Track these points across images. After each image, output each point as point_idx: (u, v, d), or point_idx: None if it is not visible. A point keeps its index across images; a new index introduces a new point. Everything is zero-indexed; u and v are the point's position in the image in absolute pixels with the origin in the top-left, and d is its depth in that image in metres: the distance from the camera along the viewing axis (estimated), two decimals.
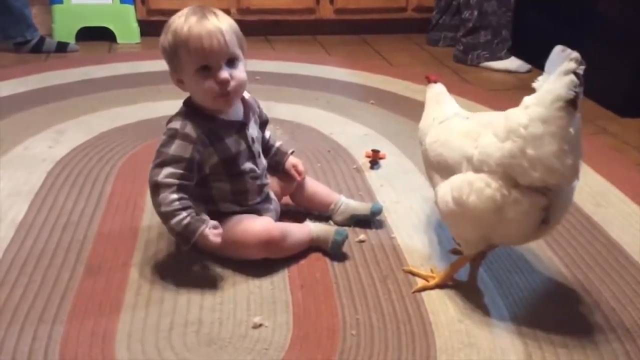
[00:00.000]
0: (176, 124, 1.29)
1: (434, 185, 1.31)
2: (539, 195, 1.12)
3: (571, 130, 1.06)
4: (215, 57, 1.24)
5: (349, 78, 2.77)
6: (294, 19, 3.44)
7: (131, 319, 1.19)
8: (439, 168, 1.28)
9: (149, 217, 1.54)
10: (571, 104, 1.04)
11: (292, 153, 1.56)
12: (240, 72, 1.29)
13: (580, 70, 1.04)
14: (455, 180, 1.20)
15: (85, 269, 1.33)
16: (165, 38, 1.27)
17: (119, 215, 1.55)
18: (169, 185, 1.25)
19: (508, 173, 1.11)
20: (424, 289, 1.32)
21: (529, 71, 2.99)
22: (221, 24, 1.24)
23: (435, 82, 1.51)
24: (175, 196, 1.25)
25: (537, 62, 3.04)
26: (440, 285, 1.32)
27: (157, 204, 1.26)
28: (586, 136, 2.24)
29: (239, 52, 1.29)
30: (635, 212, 1.68)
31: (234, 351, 1.12)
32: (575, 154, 1.08)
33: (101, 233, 1.47)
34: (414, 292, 1.31)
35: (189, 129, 1.28)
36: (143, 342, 1.14)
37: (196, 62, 1.24)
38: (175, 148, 1.26)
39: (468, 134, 1.22)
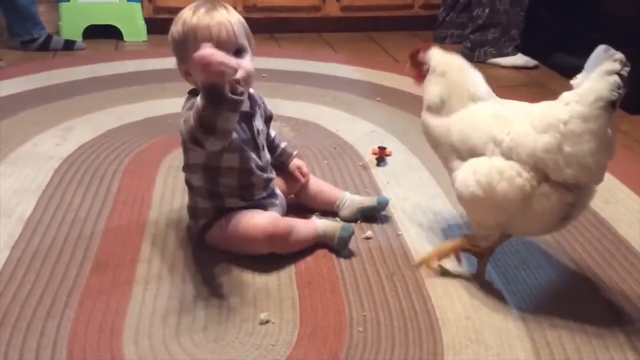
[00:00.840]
0: (189, 103, 1.28)
1: (450, 166, 1.30)
2: (566, 191, 1.13)
3: (609, 130, 1.07)
4: (223, 46, 1.24)
5: (355, 75, 2.76)
6: (300, 17, 3.44)
7: (138, 315, 1.19)
8: (460, 147, 1.26)
9: (156, 214, 1.55)
10: (611, 104, 1.05)
11: (296, 154, 1.56)
12: (248, 62, 1.29)
13: (625, 72, 1.05)
14: (481, 165, 1.19)
15: (93, 265, 1.34)
16: (175, 28, 1.29)
17: (126, 211, 1.56)
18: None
19: (539, 166, 1.13)
20: (424, 260, 1.35)
21: (535, 67, 2.98)
22: (230, 16, 1.27)
23: (419, 49, 1.39)
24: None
25: (544, 59, 3.03)
26: (439, 256, 1.34)
27: (205, 129, 1.17)
28: None
29: (246, 43, 1.30)
30: None
31: (241, 347, 1.12)
32: (609, 154, 1.10)
33: (108, 229, 1.47)
34: (416, 265, 1.35)
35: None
36: (150, 337, 1.14)
37: None
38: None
39: (499, 118, 1.21)
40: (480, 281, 1.33)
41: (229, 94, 1.14)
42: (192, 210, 1.41)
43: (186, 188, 1.44)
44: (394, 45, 3.31)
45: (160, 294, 1.26)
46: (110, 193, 1.64)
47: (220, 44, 1.23)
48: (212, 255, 1.37)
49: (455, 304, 1.26)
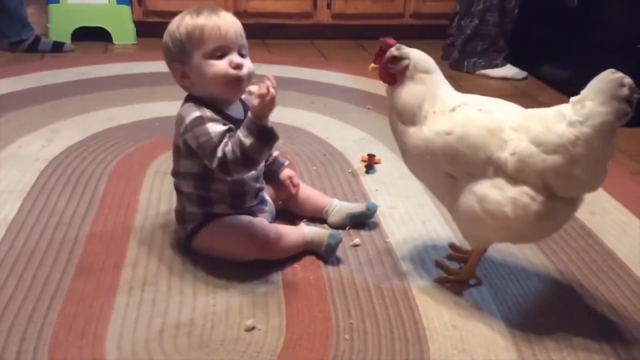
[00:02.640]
0: (195, 113, 1.27)
1: (438, 185, 1.25)
2: (570, 205, 1.16)
3: (611, 150, 1.10)
4: (230, 42, 1.27)
5: (346, 83, 2.76)
6: (291, 23, 3.44)
7: (122, 320, 1.18)
8: (448, 165, 1.19)
9: (142, 218, 1.53)
10: (616, 127, 1.06)
11: (287, 164, 1.56)
12: (249, 63, 1.31)
13: (634, 99, 1.04)
14: (487, 193, 1.15)
15: (77, 270, 1.32)
16: (174, 31, 1.28)
17: (112, 215, 1.54)
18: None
19: (547, 185, 1.12)
20: (447, 280, 1.34)
21: (525, 78, 3.00)
22: (233, 18, 1.30)
23: (392, 45, 1.23)
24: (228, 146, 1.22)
25: (533, 70, 3.06)
26: (463, 281, 1.34)
27: (244, 164, 1.22)
28: None
29: (247, 46, 1.32)
30: (630, 220, 1.68)
31: (226, 354, 1.11)
32: (607, 168, 1.13)
33: (93, 233, 1.46)
34: (435, 280, 1.33)
35: (210, 113, 1.27)
36: (134, 343, 1.12)
37: (210, 47, 1.25)
38: (211, 129, 1.24)
39: (492, 132, 1.15)
40: (471, 275, 1.34)
41: (276, 133, 1.21)
42: (180, 214, 1.40)
43: (173, 192, 1.43)
44: None
45: (144, 299, 1.24)
46: (96, 196, 1.62)
47: (228, 42, 1.26)
48: (198, 261, 1.36)
49: (442, 313, 1.25)
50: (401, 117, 1.25)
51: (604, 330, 1.24)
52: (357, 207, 1.55)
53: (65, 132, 2.03)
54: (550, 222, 1.17)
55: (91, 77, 2.62)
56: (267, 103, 1.19)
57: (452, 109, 1.20)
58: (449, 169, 1.20)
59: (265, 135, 1.20)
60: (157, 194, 1.65)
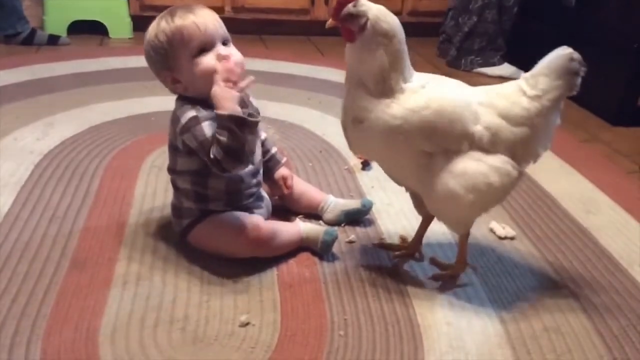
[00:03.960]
0: (190, 113, 1.26)
1: (396, 161, 1.23)
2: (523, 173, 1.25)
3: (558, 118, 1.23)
4: (211, 36, 1.26)
5: (343, 79, 2.75)
6: (288, 19, 3.43)
7: (116, 315, 1.17)
8: (420, 139, 1.16)
9: (137, 213, 1.53)
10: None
11: (284, 162, 1.54)
12: (236, 51, 1.30)
13: (582, 72, 1.17)
14: (468, 167, 1.17)
15: (71, 264, 1.31)
16: (154, 40, 1.26)
17: (106, 209, 1.53)
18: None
19: (514, 154, 1.20)
20: (441, 276, 1.35)
21: None
22: (208, 11, 1.29)
23: (354, 1, 1.13)
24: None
25: (529, 68, 3.05)
26: (457, 274, 1.35)
27: (235, 159, 1.20)
28: (578, 143, 2.25)
29: (228, 35, 1.31)
30: (625, 219, 1.68)
31: (220, 349, 1.11)
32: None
33: (87, 227, 1.45)
34: (430, 278, 1.35)
35: (204, 111, 1.26)
36: (127, 338, 1.12)
37: (193, 46, 1.24)
38: (207, 129, 1.23)
39: (466, 107, 1.19)
40: (463, 266, 1.34)
41: (249, 118, 1.18)
42: (177, 209, 1.39)
43: (169, 187, 1.42)
44: None
45: (138, 293, 1.24)
46: (90, 190, 1.62)
47: (209, 37, 1.25)
48: (193, 256, 1.36)
49: (436, 310, 1.25)
50: (356, 85, 1.17)
51: (598, 328, 1.24)
52: (352, 203, 1.55)
53: (61, 125, 2.02)
54: (514, 187, 1.24)
55: (87, 70, 2.60)
56: (226, 89, 1.19)
57: (422, 86, 1.18)
58: (425, 146, 1.17)
59: (237, 123, 1.16)
60: (153, 189, 1.65)
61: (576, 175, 1.94)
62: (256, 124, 1.22)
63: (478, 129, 1.18)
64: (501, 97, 1.21)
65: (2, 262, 1.30)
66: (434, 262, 1.39)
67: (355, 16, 1.13)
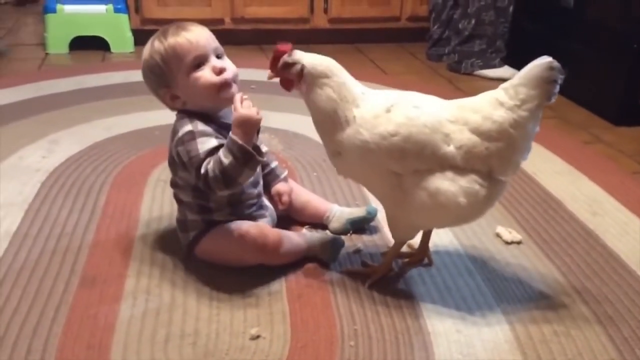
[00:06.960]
0: (187, 127, 1.28)
1: (370, 182, 1.28)
2: (503, 184, 1.23)
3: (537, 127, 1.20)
4: (204, 50, 1.28)
5: None
6: (288, 28, 3.43)
7: (127, 331, 1.18)
8: (390, 162, 1.20)
9: (144, 227, 1.53)
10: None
11: (284, 178, 1.53)
12: (230, 63, 1.32)
13: (560, 80, 1.14)
14: (441, 186, 1.18)
15: (80, 281, 1.32)
16: (150, 60, 1.30)
17: (114, 225, 1.54)
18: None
19: (491, 168, 1.18)
20: (373, 281, 1.34)
21: None
22: (199, 27, 1.32)
23: (285, 51, 1.23)
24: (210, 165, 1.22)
25: None
26: (385, 274, 1.36)
27: (225, 184, 1.21)
28: (581, 144, 2.25)
29: (221, 47, 1.33)
30: (631, 220, 1.68)
31: None
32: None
33: (96, 244, 1.46)
34: (367, 286, 1.33)
35: (202, 126, 1.28)
36: (139, 353, 1.12)
37: (188, 62, 1.27)
38: (200, 145, 1.25)
39: (435, 128, 1.18)
40: (387, 270, 1.36)
41: (258, 157, 1.21)
42: (182, 222, 1.40)
43: (174, 201, 1.43)
44: (382, 57, 3.32)
45: (148, 309, 1.24)
46: (97, 206, 1.63)
47: (202, 50, 1.27)
48: (201, 270, 1.36)
49: (446, 318, 1.25)
50: (322, 125, 1.25)
51: (608, 331, 1.24)
52: (357, 211, 1.55)
53: (65, 142, 2.03)
54: (490, 203, 1.23)
55: (89, 86, 2.62)
56: (252, 122, 1.22)
57: (387, 109, 1.20)
58: (395, 168, 1.21)
59: (245, 156, 1.20)
60: (159, 203, 1.66)
61: (581, 177, 1.94)
62: (258, 161, 1.23)
63: (450, 149, 1.17)
64: (473, 112, 1.19)
65: (12, 280, 1.31)
66: (364, 264, 1.42)
67: (292, 65, 1.23)
